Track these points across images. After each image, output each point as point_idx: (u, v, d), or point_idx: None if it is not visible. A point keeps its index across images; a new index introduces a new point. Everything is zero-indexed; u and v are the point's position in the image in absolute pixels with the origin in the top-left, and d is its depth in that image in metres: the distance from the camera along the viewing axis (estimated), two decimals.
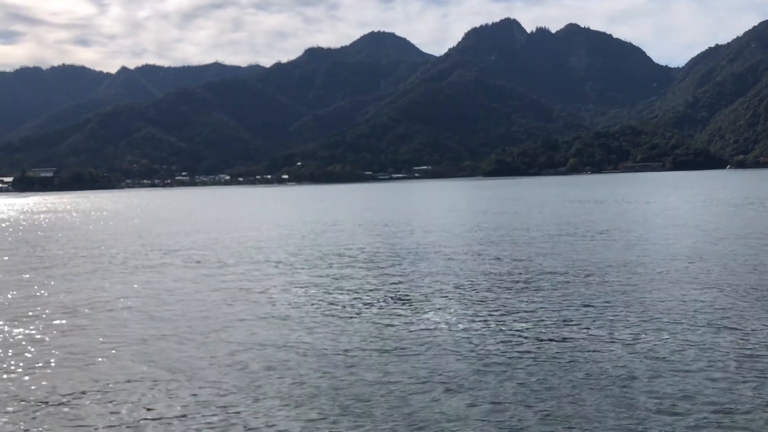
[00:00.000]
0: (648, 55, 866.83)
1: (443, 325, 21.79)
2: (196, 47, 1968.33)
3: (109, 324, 23.87)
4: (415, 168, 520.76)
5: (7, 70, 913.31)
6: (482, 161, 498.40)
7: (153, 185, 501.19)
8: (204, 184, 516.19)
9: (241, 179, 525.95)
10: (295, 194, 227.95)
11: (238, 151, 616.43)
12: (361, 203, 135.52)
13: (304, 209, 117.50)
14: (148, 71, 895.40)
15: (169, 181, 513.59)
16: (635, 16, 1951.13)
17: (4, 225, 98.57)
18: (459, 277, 31.60)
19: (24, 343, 21.57)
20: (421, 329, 21.35)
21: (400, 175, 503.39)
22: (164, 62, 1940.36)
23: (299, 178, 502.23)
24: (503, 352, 18.51)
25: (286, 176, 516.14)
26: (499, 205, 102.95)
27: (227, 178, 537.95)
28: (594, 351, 18.24)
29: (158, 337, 21.56)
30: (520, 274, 32.15)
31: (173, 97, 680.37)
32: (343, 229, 66.46)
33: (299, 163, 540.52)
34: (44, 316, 25.76)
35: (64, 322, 24.40)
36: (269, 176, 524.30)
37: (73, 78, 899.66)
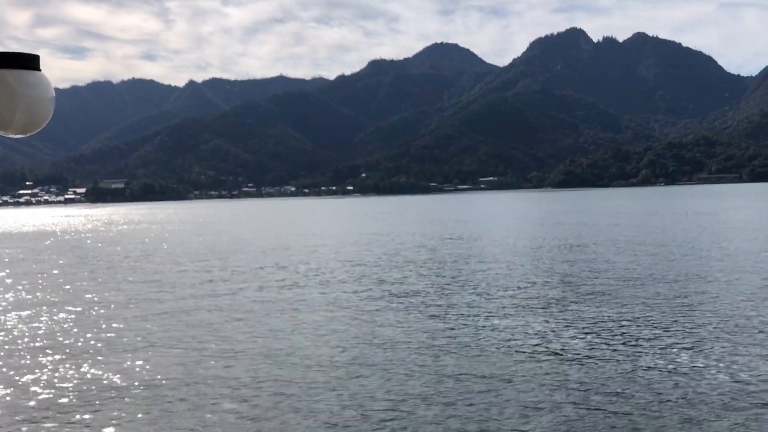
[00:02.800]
0: (719, 63, 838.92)
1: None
2: (259, 61, 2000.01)
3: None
4: (481, 179, 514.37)
5: (80, 84, 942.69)
6: (550, 172, 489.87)
7: (221, 196, 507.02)
8: (270, 195, 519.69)
9: (306, 190, 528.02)
10: (369, 206, 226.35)
11: (303, 163, 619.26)
12: (448, 216, 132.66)
13: (391, 222, 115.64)
14: (215, 84, 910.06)
15: (236, 192, 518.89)
16: (702, 25, 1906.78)
17: (91, 236, 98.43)
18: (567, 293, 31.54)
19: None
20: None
21: (465, 187, 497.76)
22: (228, 76, 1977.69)
23: (364, 190, 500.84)
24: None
25: (350, 187, 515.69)
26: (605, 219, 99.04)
27: (293, 189, 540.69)
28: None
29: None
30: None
31: (239, 110, 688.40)
32: (462, 246, 64.36)
33: (364, 175, 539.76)
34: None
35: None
36: (334, 188, 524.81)
37: (142, 91, 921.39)
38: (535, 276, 38.04)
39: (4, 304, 34.13)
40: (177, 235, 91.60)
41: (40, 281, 43.27)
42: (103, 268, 50.51)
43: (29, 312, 31.23)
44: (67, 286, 40.32)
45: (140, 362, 20.88)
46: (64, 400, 17.45)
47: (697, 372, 17.97)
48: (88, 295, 36.14)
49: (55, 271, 49.40)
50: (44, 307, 32.52)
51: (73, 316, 29.72)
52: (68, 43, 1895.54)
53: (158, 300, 33.72)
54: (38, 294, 37.58)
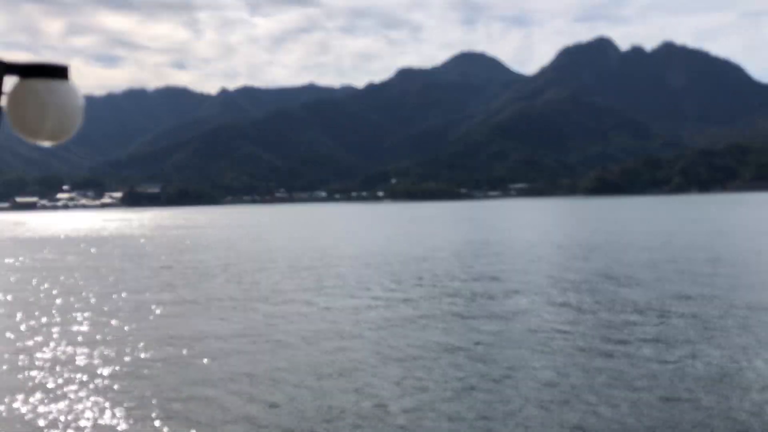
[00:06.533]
0: (747, 72, 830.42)
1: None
2: (286, 70, 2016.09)
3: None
4: (511, 186, 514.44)
5: (116, 92, 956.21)
6: (580, 179, 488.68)
7: (253, 201, 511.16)
8: (302, 200, 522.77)
9: (337, 196, 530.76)
10: (412, 212, 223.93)
11: (333, 169, 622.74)
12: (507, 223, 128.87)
13: (457, 229, 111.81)
14: (247, 92, 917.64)
15: (268, 197, 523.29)
16: (724, 34, 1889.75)
17: (149, 241, 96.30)
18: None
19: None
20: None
21: (496, 193, 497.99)
22: (256, 84, 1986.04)
23: (394, 196, 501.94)
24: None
25: (381, 193, 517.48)
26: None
27: (324, 195, 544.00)
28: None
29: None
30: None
31: (271, 117, 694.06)
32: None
33: (394, 181, 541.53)
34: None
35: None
36: (365, 193, 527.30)
37: (175, 98, 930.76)
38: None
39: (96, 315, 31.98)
40: (238, 240, 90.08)
41: (131, 292, 40.09)
42: (181, 276, 48.04)
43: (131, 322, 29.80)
44: (162, 295, 38.23)
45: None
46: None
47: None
48: (183, 303, 34.99)
49: (137, 280, 46.67)
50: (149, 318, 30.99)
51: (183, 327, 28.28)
52: (100, 51, 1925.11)
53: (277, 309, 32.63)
54: (134, 303, 35.60)
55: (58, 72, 4.18)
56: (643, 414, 15.96)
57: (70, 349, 24.48)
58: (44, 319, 30.86)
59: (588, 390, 17.78)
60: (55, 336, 26.94)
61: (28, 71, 4.13)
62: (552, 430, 15.20)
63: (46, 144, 4.32)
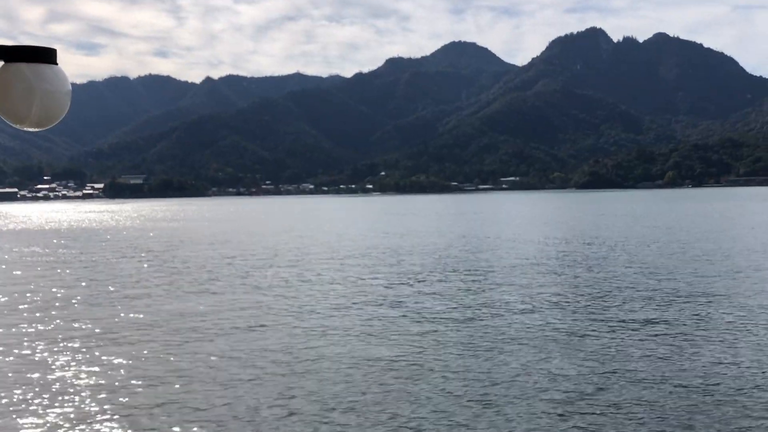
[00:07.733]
0: (740, 65, 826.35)
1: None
2: (271, 59, 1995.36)
3: None
4: (502, 179, 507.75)
5: (97, 79, 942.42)
6: (572, 173, 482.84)
7: (239, 193, 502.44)
8: (289, 193, 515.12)
9: (325, 188, 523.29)
10: (402, 206, 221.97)
11: (320, 161, 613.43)
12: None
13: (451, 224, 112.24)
14: (232, 81, 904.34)
15: (254, 189, 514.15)
16: (716, 27, 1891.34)
17: (143, 234, 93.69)
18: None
19: None
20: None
21: (487, 186, 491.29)
22: (240, 73, 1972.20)
23: (384, 188, 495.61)
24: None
25: (370, 186, 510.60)
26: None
27: (311, 187, 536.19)
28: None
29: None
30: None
31: (257, 107, 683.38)
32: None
33: (383, 173, 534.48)
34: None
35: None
36: (353, 186, 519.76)
37: (158, 87, 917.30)
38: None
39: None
40: (232, 234, 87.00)
41: (132, 291, 38.32)
42: (184, 271, 46.42)
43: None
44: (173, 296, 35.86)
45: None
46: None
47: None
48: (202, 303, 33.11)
49: (139, 277, 44.30)
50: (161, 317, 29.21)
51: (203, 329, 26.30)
52: (81, 39, 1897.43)
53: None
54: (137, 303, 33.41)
55: (46, 56, 4.07)
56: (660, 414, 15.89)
57: (69, 349, 23.51)
58: (46, 321, 29.07)
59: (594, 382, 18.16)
60: (56, 336, 25.68)
61: (14, 54, 4.01)
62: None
63: (32, 130, 4.22)
